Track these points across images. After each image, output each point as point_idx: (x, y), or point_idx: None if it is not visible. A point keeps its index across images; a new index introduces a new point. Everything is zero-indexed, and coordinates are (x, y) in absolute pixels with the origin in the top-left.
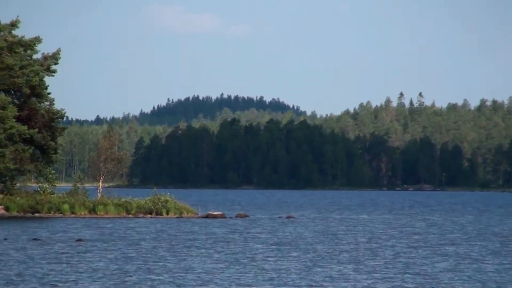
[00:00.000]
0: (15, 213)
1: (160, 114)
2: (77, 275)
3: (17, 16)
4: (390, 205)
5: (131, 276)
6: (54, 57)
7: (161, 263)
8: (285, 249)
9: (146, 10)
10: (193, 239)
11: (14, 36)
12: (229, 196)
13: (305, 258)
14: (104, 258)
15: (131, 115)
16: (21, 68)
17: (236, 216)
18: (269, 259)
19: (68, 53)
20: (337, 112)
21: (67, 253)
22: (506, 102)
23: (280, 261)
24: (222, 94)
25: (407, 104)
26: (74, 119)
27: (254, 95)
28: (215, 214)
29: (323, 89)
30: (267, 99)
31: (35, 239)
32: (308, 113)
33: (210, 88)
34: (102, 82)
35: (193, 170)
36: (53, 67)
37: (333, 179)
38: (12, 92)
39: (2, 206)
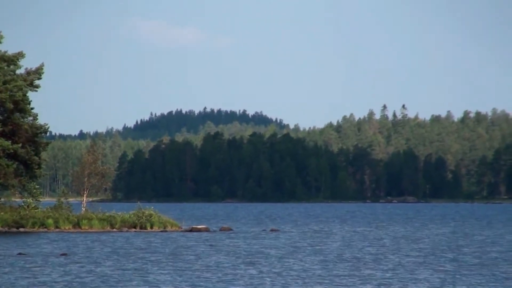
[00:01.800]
0: None
1: (143, 128)
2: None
3: (0, 31)
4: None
5: None
6: (37, 72)
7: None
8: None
9: (129, 24)
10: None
11: None
12: (214, 209)
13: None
14: (84, 272)
15: (114, 130)
16: (4, 83)
17: (220, 230)
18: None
19: (51, 68)
20: (320, 124)
21: (48, 268)
22: (489, 113)
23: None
24: (205, 108)
25: (390, 117)
26: (57, 134)
27: (237, 108)
28: (199, 228)
29: (306, 102)
30: (250, 112)
31: (20, 254)
32: (291, 126)
33: (193, 102)
34: (85, 96)
35: (177, 184)
36: (36, 82)
37: (317, 191)
38: None
39: None
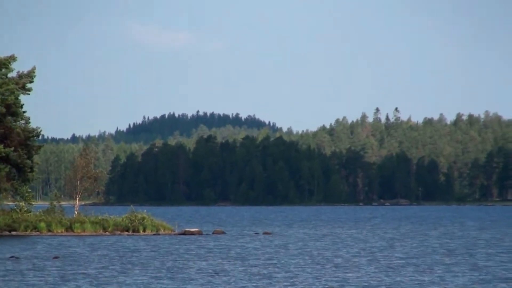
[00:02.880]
0: None
1: (136, 131)
2: None
3: None
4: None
5: None
6: (29, 75)
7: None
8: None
9: (122, 28)
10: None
11: None
12: (207, 213)
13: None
14: (77, 276)
15: (107, 133)
16: None
17: (213, 233)
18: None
19: (43, 71)
20: (313, 128)
21: (40, 271)
22: (482, 116)
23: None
24: (198, 111)
25: (383, 119)
26: (49, 137)
27: (230, 112)
28: (192, 231)
29: (299, 105)
30: (243, 115)
31: (12, 257)
32: (284, 129)
33: (186, 106)
34: (77, 100)
35: (169, 187)
36: (28, 85)
37: (310, 195)
38: None
39: None
